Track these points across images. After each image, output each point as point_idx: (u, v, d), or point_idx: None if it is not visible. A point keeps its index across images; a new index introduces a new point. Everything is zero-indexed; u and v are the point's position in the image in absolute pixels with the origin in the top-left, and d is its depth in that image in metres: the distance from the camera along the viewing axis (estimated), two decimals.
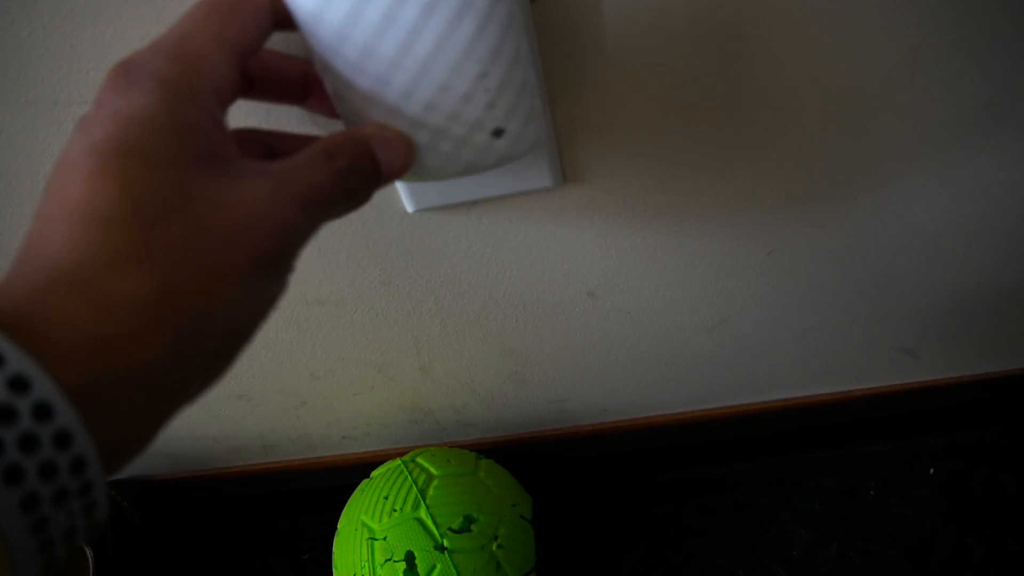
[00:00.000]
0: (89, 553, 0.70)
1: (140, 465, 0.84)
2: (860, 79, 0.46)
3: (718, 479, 0.80)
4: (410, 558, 0.63)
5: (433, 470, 0.68)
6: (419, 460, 0.70)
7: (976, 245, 0.60)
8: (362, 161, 0.34)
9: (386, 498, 0.66)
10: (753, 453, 0.81)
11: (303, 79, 0.39)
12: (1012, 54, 0.45)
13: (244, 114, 0.45)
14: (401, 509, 0.65)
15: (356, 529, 0.66)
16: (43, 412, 0.21)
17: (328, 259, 0.56)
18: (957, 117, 0.49)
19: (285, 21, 0.33)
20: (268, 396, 0.72)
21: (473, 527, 0.64)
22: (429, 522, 0.64)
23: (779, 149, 0.50)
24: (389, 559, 0.63)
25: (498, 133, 0.38)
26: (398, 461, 0.70)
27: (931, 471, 0.78)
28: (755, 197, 0.53)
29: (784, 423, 0.79)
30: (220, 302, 0.26)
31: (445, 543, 0.63)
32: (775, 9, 0.42)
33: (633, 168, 0.51)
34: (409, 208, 0.51)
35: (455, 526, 0.64)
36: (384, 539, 0.64)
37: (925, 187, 0.54)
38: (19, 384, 0.20)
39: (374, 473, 0.72)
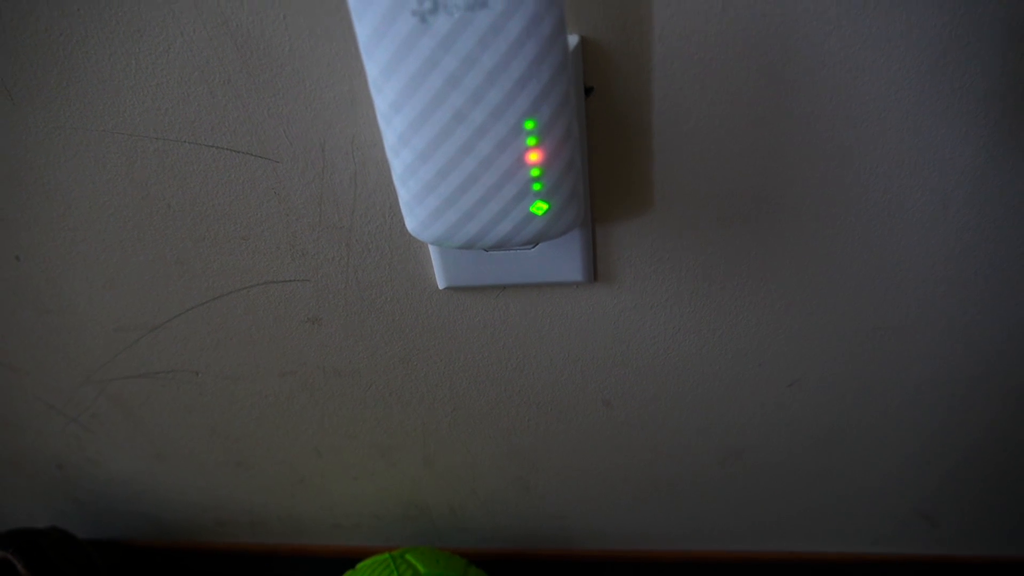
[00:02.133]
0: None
1: (120, 527, 0.82)
2: (901, 212, 0.47)
3: None
4: None
5: (420, 568, 0.65)
6: (408, 556, 0.67)
7: (1012, 408, 0.59)
8: None
9: None
10: None
11: None
12: None
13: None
14: None
15: None
16: None
17: (353, 327, 0.57)
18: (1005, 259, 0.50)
19: None
20: (267, 467, 0.71)
21: None
22: None
23: (814, 268, 0.51)
24: None
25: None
26: (386, 555, 0.67)
27: None
28: (784, 320, 0.54)
29: None
30: None
31: None
32: (823, 120, 0.44)
33: (665, 274, 0.51)
34: (440, 284, 0.52)
35: None
36: None
37: (967, 330, 0.54)
38: None
39: (360, 564, 0.69)
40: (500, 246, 0.42)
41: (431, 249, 0.50)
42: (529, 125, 0.36)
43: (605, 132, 0.45)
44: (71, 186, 0.51)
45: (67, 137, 0.48)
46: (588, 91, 0.43)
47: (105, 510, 0.80)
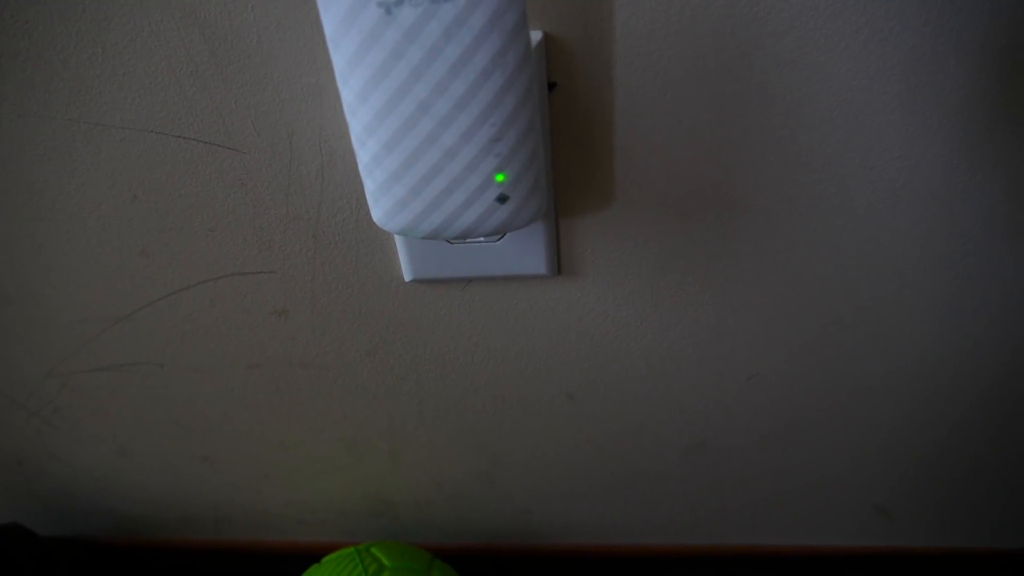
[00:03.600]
0: None
1: (82, 524, 0.81)
2: (853, 208, 0.49)
3: None
4: None
5: (386, 561, 0.65)
6: (373, 550, 0.67)
7: (963, 404, 0.61)
8: None
9: None
10: None
11: None
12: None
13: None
14: None
15: None
16: None
17: (319, 319, 0.57)
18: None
19: None
20: (233, 461, 0.70)
21: None
22: None
23: (772, 263, 0.52)
24: None
25: (502, 199, 0.41)
26: (352, 549, 0.68)
27: None
28: (743, 314, 0.55)
29: (751, 571, 0.77)
30: None
31: None
32: (777, 119, 0.45)
33: (626, 268, 0.53)
34: (407, 277, 0.53)
35: None
36: None
37: (921, 327, 0.56)
38: None
39: (325, 559, 0.69)
40: (465, 236, 0.42)
41: (397, 241, 0.51)
42: (492, 117, 0.37)
43: (568, 127, 0.46)
44: (35, 175, 0.50)
45: (32, 126, 0.48)
46: (551, 86, 0.44)
47: (67, 507, 0.79)
